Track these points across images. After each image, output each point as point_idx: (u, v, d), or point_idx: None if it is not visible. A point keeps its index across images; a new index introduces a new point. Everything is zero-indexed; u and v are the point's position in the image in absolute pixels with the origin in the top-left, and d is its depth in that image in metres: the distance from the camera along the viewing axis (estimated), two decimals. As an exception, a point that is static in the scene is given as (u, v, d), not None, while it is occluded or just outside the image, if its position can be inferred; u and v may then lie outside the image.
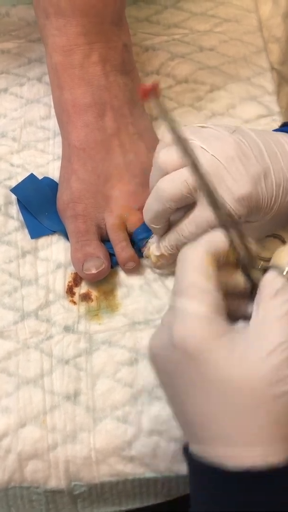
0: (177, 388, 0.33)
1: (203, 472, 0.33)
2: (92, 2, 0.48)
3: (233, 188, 0.42)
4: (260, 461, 0.31)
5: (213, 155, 0.42)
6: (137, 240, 0.50)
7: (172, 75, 0.59)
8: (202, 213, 0.43)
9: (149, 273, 0.50)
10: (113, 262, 0.50)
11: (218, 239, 0.35)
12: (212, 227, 0.39)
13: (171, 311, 0.34)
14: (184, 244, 0.41)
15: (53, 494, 0.45)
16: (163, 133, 0.47)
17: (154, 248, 0.48)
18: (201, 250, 0.34)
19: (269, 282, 0.33)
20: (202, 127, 0.45)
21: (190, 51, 0.61)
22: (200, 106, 0.58)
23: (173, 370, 0.33)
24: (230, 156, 0.42)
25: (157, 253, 0.48)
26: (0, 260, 0.50)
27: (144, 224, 0.50)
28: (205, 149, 0.43)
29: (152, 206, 0.45)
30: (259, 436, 0.31)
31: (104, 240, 0.50)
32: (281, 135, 0.45)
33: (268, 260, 0.35)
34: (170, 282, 0.50)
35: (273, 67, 0.61)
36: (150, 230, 0.50)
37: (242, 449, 0.31)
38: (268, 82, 0.59)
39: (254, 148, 0.43)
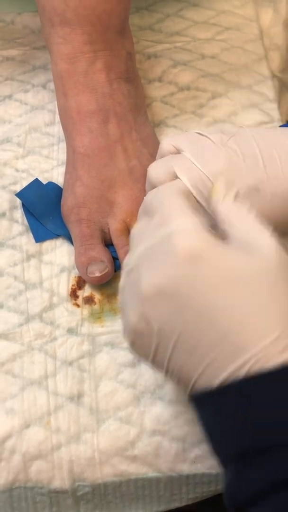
0: (199, 303, 0.33)
1: (235, 393, 0.32)
2: (98, 12, 0.49)
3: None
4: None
5: (201, 170, 0.41)
6: None
7: (174, 82, 0.60)
8: None
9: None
10: (116, 266, 0.50)
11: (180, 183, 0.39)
12: None
13: (158, 244, 0.35)
14: None
15: (57, 495, 0.45)
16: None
17: None
18: (175, 187, 0.38)
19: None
20: (200, 134, 0.44)
21: (192, 58, 0.62)
22: (202, 113, 0.58)
23: (187, 290, 0.33)
24: (219, 172, 0.41)
25: None
26: (5, 264, 0.51)
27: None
28: (194, 164, 0.41)
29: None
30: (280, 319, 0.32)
31: (108, 244, 0.51)
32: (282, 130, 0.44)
33: None
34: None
35: (274, 74, 0.62)
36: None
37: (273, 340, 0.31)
38: (269, 89, 0.60)
39: (247, 158, 0.41)
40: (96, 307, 0.50)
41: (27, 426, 0.45)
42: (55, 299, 0.50)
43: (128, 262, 0.37)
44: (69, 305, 0.50)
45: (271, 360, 0.31)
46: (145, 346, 0.35)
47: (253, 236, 0.34)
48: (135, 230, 0.39)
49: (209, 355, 0.33)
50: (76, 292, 0.50)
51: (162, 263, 0.34)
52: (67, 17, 0.49)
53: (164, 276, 0.34)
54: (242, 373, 0.32)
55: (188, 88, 0.60)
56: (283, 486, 0.29)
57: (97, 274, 0.49)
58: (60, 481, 0.45)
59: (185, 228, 0.34)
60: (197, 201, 0.40)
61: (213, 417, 0.34)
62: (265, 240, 0.34)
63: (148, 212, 0.38)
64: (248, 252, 0.34)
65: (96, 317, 0.49)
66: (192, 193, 0.39)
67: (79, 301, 0.50)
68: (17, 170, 0.56)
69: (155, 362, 0.36)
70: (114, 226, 0.50)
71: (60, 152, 0.57)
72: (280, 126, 0.52)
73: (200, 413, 0.35)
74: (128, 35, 0.53)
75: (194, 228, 0.34)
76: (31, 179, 0.54)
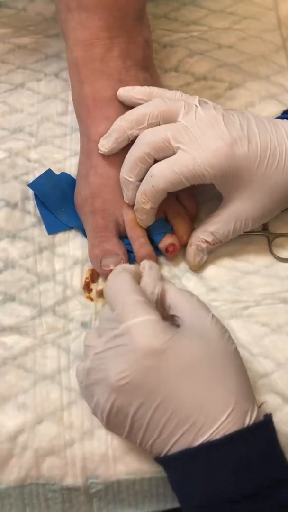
0: (164, 390, 0.38)
1: (196, 457, 0.38)
2: None
3: (211, 142, 0.45)
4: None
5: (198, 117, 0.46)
6: (154, 235, 0.49)
7: (190, 72, 0.59)
8: (181, 157, 0.45)
9: (165, 271, 0.50)
10: (131, 259, 0.49)
11: (130, 267, 0.44)
12: (184, 175, 0.45)
13: (121, 338, 0.39)
14: (156, 192, 0.46)
15: (69, 492, 0.44)
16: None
17: None
18: (126, 275, 0.42)
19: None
20: (204, 102, 0.48)
21: (209, 48, 0.61)
22: (219, 103, 0.56)
23: (152, 380, 0.38)
24: (214, 117, 0.45)
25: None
26: (18, 256, 0.50)
27: (161, 219, 0.50)
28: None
29: (130, 155, 0.47)
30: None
31: (122, 236, 0.50)
32: (280, 120, 0.47)
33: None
34: (186, 280, 0.50)
35: (292, 65, 0.60)
36: (167, 226, 0.50)
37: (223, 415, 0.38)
38: (287, 80, 0.59)
39: (242, 119, 0.46)
40: (109, 300, 0.49)
41: (39, 421, 0.44)
42: (68, 292, 0.49)
43: (96, 345, 0.41)
44: (83, 299, 0.49)
45: (230, 429, 0.38)
46: (119, 426, 0.40)
47: (199, 323, 0.40)
48: (102, 313, 0.43)
49: (177, 434, 0.38)
50: (89, 285, 0.49)
51: (126, 357, 0.38)
52: (84, 2, 0.48)
53: (128, 369, 0.38)
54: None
55: (204, 78, 0.59)
56: None
57: (112, 267, 0.47)
58: (73, 478, 0.44)
59: (142, 325, 0.39)
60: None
61: (172, 478, 0.40)
62: (208, 324, 0.40)
63: (108, 302, 0.42)
64: (198, 338, 0.39)
65: (110, 311, 0.48)
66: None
67: (93, 294, 0.49)
68: (29, 160, 0.55)
69: (128, 438, 0.40)
70: (129, 216, 0.49)
71: (73, 143, 0.56)
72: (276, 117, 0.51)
73: (167, 473, 0.41)
74: (145, 23, 0.52)
75: (149, 323, 0.39)
76: (43, 170, 0.53)
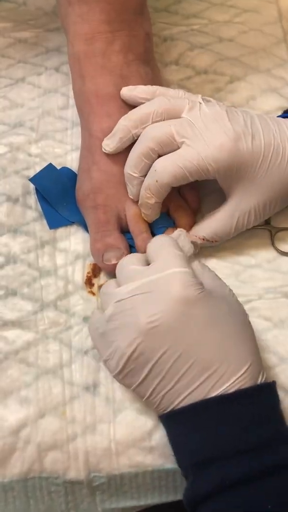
0: (190, 338, 0.39)
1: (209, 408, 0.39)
2: None
3: (216, 137, 0.45)
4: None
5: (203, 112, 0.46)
6: (156, 229, 0.49)
7: (191, 65, 0.59)
8: (185, 151, 0.45)
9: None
10: (132, 254, 0.49)
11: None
12: (188, 170, 0.45)
13: (156, 284, 0.40)
14: (160, 186, 0.46)
15: (72, 485, 0.44)
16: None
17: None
18: (169, 237, 0.45)
19: None
20: (207, 101, 0.48)
21: (210, 41, 0.60)
22: (220, 97, 0.57)
23: (180, 327, 0.39)
24: (219, 113, 0.46)
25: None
26: (19, 250, 0.50)
27: (163, 214, 0.49)
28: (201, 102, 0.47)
29: (135, 150, 0.47)
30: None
31: (124, 231, 0.50)
32: (282, 119, 0.48)
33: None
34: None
35: (294, 58, 0.60)
36: (169, 220, 0.50)
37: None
38: (288, 73, 0.59)
39: (246, 116, 0.46)
40: (111, 295, 0.48)
41: (42, 415, 0.44)
42: (70, 287, 0.49)
43: (118, 293, 0.41)
44: (85, 293, 0.49)
45: (246, 384, 0.39)
46: (134, 374, 0.40)
47: (221, 291, 0.42)
48: (130, 269, 0.43)
49: (194, 383, 0.39)
50: (91, 280, 0.49)
51: (159, 301, 0.39)
52: None
53: (161, 312, 0.39)
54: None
55: (205, 72, 0.59)
56: (224, 489, 0.37)
57: (114, 262, 0.47)
58: (76, 472, 0.44)
59: (181, 274, 0.40)
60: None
61: (176, 434, 0.40)
62: (228, 292, 0.43)
63: (149, 257, 0.43)
64: (222, 299, 0.41)
65: (112, 305, 0.48)
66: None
67: (95, 289, 0.49)
68: (30, 155, 0.55)
69: (139, 388, 0.40)
70: (131, 211, 0.49)
71: (74, 137, 0.55)
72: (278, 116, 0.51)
73: (168, 430, 0.41)
74: (146, 16, 0.51)
75: (187, 275, 0.40)
76: (44, 164, 0.53)
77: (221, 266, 0.50)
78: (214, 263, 0.50)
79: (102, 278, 0.49)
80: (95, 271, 0.50)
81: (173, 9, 0.63)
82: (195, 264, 0.44)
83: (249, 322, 0.42)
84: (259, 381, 0.40)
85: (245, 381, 0.39)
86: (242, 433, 0.38)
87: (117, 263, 0.47)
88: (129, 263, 0.43)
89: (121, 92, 0.49)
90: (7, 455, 0.44)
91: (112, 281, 0.44)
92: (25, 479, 0.44)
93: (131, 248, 0.49)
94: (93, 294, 0.49)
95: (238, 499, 0.37)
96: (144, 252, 0.48)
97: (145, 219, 0.49)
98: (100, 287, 0.49)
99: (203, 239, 0.48)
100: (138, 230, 0.49)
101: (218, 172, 0.45)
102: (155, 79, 0.52)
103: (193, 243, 0.48)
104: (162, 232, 0.49)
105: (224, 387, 0.39)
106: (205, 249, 0.50)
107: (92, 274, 0.49)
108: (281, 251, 0.50)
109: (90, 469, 0.44)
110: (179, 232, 0.48)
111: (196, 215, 0.51)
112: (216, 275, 0.44)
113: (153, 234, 0.50)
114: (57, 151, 0.55)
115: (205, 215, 0.50)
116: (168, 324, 0.39)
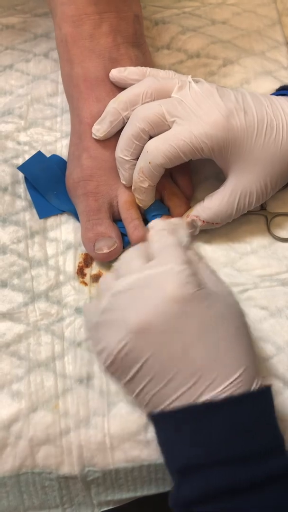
0: (182, 340, 0.37)
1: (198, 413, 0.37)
2: None
3: (208, 115, 0.44)
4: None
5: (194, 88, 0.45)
6: (150, 217, 0.48)
7: (183, 49, 0.57)
8: (177, 131, 0.44)
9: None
10: (125, 242, 0.48)
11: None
12: (181, 149, 0.44)
13: (153, 278, 0.39)
14: (153, 168, 0.45)
15: (66, 480, 0.43)
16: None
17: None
18: (168, 233, 0.44)
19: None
20: (197, 81, 0.47)
21: (202, 24, 0.59)
22: (213, 81, 0.56)
23: (173, 326, 0.37)
24: (209, 90, 0.45)
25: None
26: (8, 240, 0.49)
27: (157, 201, 0.48)
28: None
29: (125, 132, 0.46)
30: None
31: (116, 220, 0.49)
32: (274, 96, 0.47)
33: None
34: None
35: (288, 40, 0.59)
36: (163, 208, 0.48)
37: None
38: (283, 56, 0.57)
39: (236, 93, 0.45)
40: (104, 285, 0.47)
41: (34, 409, 0.43)
42: (61, 277, 0.48)
43: (115, 285, 0.40)
44: (77, 284, 0.47)
45: (238, 390, 0.37)
46: (122, 371, 0.39)
47: (220, 288, 0.41)
48: (130, 262, 0.42)
49: (183, 387, 0.37)
50: (83, 269, 0.48)
51: (153, 299, 0.38)
52: None
53: (153, 312, 0.38)
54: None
55: (198, 56, 0.57)
56: (208, 498, 0.36)
57: (105, 251, 0.46)
58: (69, 467, 0.43)
59: (179, 271, 0.39)
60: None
61: (162, 437, 0.39)
62: (226, 290, 0.41)
63: (150, 252, 0.42)
64: (220, 298, 0.40)
65: (105, 296, 0.47)
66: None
67: (87, 279, 0.48)
68: (19, 143, 0.53)
69: (128, 386, 0.39)
70: (123, 198, 0.48)
71: (64, 124, 0.54)
72: (271, 94, 0.50)
73: (155, 431, 0.39)
74: (135, -3, 0.50)
75: (185, 273, 0.39)
76: (33, 152, 0.51)
77: (216, 254, 0.48)
78: (209, 251, 0.49)
79: (94, 267, 0.48)
80: (87, 260, 0.48)
81: (164, -8, 0.62)
82: (200, 263, 0.43)
83: (247, 325, 0.40)
84: (253, 387, 0.38)
85: (238, 387, 0.37)
86: (229, 442, 0.37)
87: (108, 252, 0.46)
88: (131, 257, 0.42)
89: (110, 73, 0.48)
90: (-1, 451, 0.43)
91: (111, 274, 0.43)
92: (17, 475, 0.43)
93: (123, 236, 0.48)
94: (85, 284, 0.47)
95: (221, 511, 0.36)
96: (135, 240, 0.46)
97: (140, 204, 0.47)
98: (92, 277, 0.48)
99: (204, 221, 0.47)
100: (129, 217, 0.47)
101: (212, 149, 0.44)
102: (146, 63, 0.51)
103: (193, 223, 0.47)
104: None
105: (215, 392, 0.37)
106: (200, 236, 0.48)
107: (84, 264, 0.48)
108: (278, 236, 0.49)
109: (84, 463, 0.43)
110: (178, 221, 0.47)
111: (190, 202, 0.50)
112: (219, 278, 0.42)
113: (146, 222, 0.48)
114: (47, 138, 0.54)
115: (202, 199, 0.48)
116: (158, 326, 0.37)
